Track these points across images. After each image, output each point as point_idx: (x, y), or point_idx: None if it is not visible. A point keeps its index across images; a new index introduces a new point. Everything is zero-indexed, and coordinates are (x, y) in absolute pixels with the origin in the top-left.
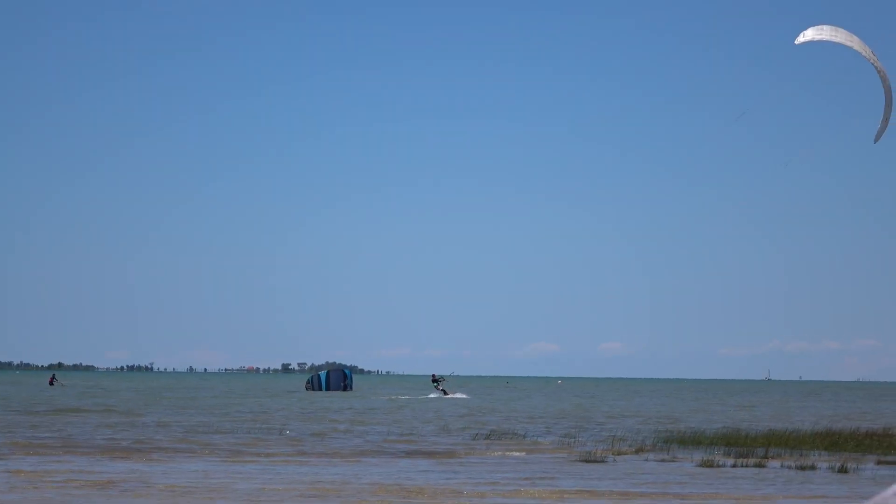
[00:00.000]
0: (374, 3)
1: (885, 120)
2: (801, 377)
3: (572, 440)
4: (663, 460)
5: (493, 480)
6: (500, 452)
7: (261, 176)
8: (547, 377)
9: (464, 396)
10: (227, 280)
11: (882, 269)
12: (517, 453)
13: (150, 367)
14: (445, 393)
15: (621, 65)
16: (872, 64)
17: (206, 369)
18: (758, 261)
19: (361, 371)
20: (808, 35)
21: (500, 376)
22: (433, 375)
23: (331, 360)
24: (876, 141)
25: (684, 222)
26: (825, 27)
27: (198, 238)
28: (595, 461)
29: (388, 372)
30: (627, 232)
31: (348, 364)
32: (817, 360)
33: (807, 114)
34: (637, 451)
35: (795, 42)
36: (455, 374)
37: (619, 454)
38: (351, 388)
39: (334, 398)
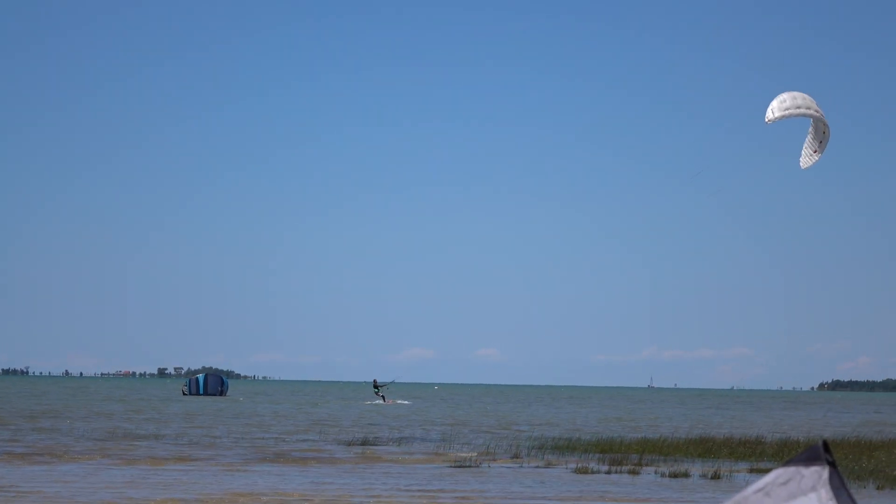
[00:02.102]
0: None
1: (819, 153)
2: (675, 384)
3: (448, 446)
4: (538, 467)
5: (351, 488)
6: (369, 458)
7: (126, 180)
8: (423, 383)
9: (406, 403)
10: (103, 284)
11: (754, 278)
12: (389, 460)
13: (25, 370)
14: (385, 399)
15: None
16: (821, 119)
17: (81, 373)
18: (632, 269)
19: (238, 376)
20: (776, 112)
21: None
22: (374, 381)
23: (207, 365)
24: (805, 167)
25: (558, 232)
26: (785, 97)
27: (72, 241)
28: (468, 467)
29: (264, 377)
30: (501, 239)
31: (224, 368)
32: (692, 367)
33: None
34: (513, 458)
35: (766, 121)
36: (396, 381)
37: (494, 460)
38: (226, 394)
39: (243, 405)
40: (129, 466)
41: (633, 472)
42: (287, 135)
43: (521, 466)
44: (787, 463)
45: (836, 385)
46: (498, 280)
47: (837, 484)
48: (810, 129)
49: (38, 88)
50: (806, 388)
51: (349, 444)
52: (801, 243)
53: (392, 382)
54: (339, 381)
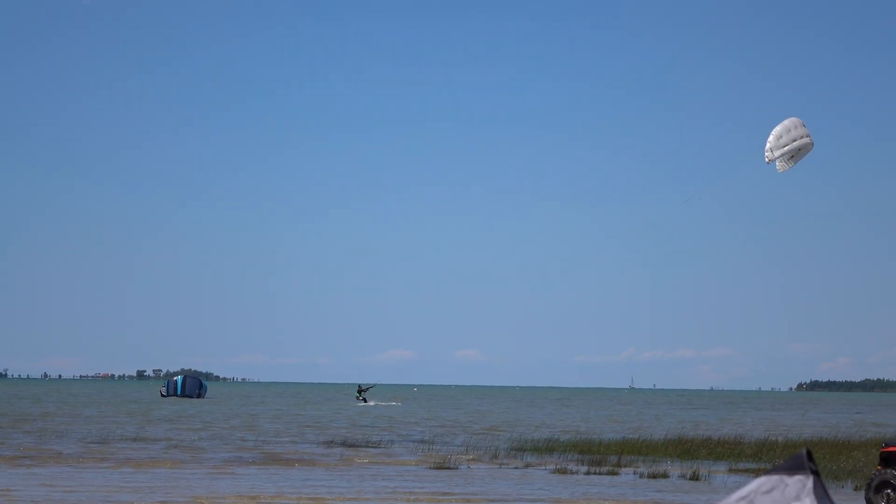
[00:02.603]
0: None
1: (794, 161)
2: (654, 385)
3: (428, 448)
4: (517, 468)
5: (332, 488)
6: (353, 460)
7: (115, 185)
8: (402, 384)
9: (395, 404)
10: (82, 286)
11: (734, 280)
12: (373, 461)
13: (3, 373)
14: (366, 401)
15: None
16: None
17: (60, 375)
18: (612, 272)
19: (217, 378)
20: (776, 152)
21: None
22: (359, 386)
23: (186, 367)
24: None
25: (537, 234)
26: (780, 132)
27: (51, 245)
28: (448, 468)
29: (243, 379)
30: (479, 241)
31: (203, 371)
32: (671, 368)
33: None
34: (492, 459)
35: (767, 161)
36: (376, 385)
37: (474, 461)
38: (204, 396)
39: (224, 405)
40: (115, 470)
41: (613, 473)
42: (273, 141)
43: (501, 467)
44: (771, 471)
45: (815, 385)
46: (477, 282)
47: (821, 493)
48: (788, 145)
49: (37, 90)
50: (785, 388)
51: (333, 445)
52: (782, 246)
53: (374, 385)
54: (320, 384)
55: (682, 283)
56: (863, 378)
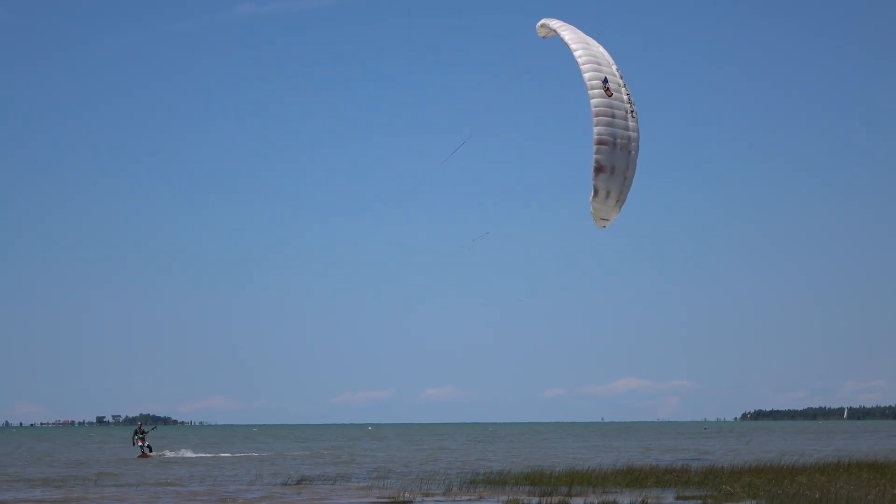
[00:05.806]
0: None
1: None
2: (602, 419)
3: (382, 483)
4: (470, 500)
5: None
6: (306, 498)
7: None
8: (378, 423)
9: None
10: (38, 333)
11: (680, 314)
12: (324, 498)
13: None
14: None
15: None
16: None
17: (21, 423)
18: (580, 305)
19: (175, 422)
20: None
21: (323, 425)
22: (139, 424)
23: (145, 413)
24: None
25: (501, 273)
26: (554, 27)
27: (8, 290)
28: (402, 502)
29: (201, 423)
30: (447, 277)
31: (162, 415)
32: (616, 400)
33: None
34: (445, 493)
35: (544, 36)
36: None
37: (427, 495)
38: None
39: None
40: None
41: (563, 503)
42: (232, 173)
43: (455, 500)
44: None
45: (759, 415)
46: (445, 319)
47: None
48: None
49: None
50: (730, 418)
51: (286, 484)
52: (722, 279)
53: (155, 427)
54: (284, 425)
55: (628, 318)
56: (804, 407)
